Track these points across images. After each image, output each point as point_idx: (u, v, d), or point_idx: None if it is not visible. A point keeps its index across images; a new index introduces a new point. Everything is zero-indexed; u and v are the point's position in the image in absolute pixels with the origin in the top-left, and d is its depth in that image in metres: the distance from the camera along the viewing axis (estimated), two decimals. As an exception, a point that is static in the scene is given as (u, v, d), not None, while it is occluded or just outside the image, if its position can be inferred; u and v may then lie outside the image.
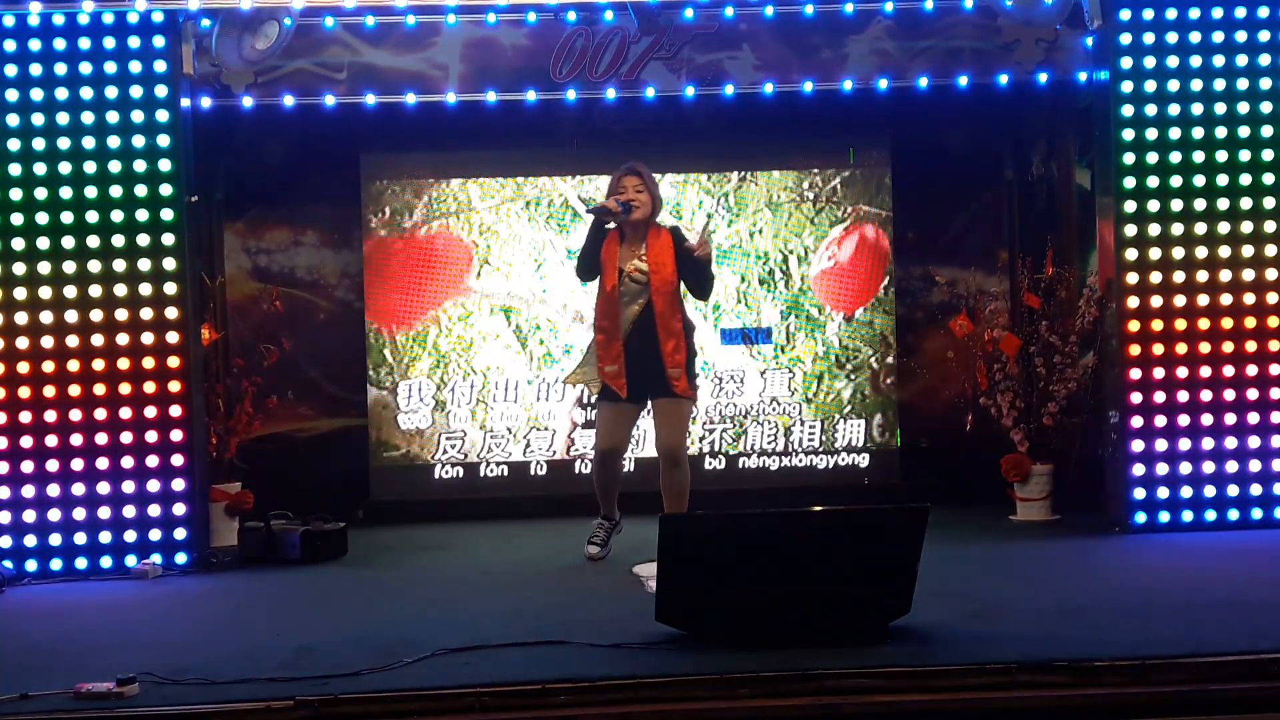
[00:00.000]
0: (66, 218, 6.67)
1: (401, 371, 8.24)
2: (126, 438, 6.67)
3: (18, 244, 6.66)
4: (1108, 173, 7.04)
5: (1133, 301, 6.96)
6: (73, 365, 6.65)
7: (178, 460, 6.71)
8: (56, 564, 6.61)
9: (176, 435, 6.71)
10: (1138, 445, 6.93)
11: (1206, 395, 6.93)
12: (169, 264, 6.71)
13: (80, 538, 6.63)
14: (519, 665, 4.53)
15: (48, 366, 6.64)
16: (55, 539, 6.62)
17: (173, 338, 6.71)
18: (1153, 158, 6.92)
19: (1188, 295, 6.94)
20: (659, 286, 6.22)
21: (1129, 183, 6.94)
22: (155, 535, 6.68)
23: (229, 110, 7.32)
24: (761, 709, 4.23)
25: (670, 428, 6.26)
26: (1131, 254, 6.96)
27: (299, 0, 6.83)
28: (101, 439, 6.66)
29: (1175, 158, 6.92)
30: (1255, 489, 6.93)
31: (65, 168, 6.67)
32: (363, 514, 8.05)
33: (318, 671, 4.47)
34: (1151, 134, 6.92)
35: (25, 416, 6.63)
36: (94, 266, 6.67)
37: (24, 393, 6.63)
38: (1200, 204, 6.93)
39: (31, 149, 6.66)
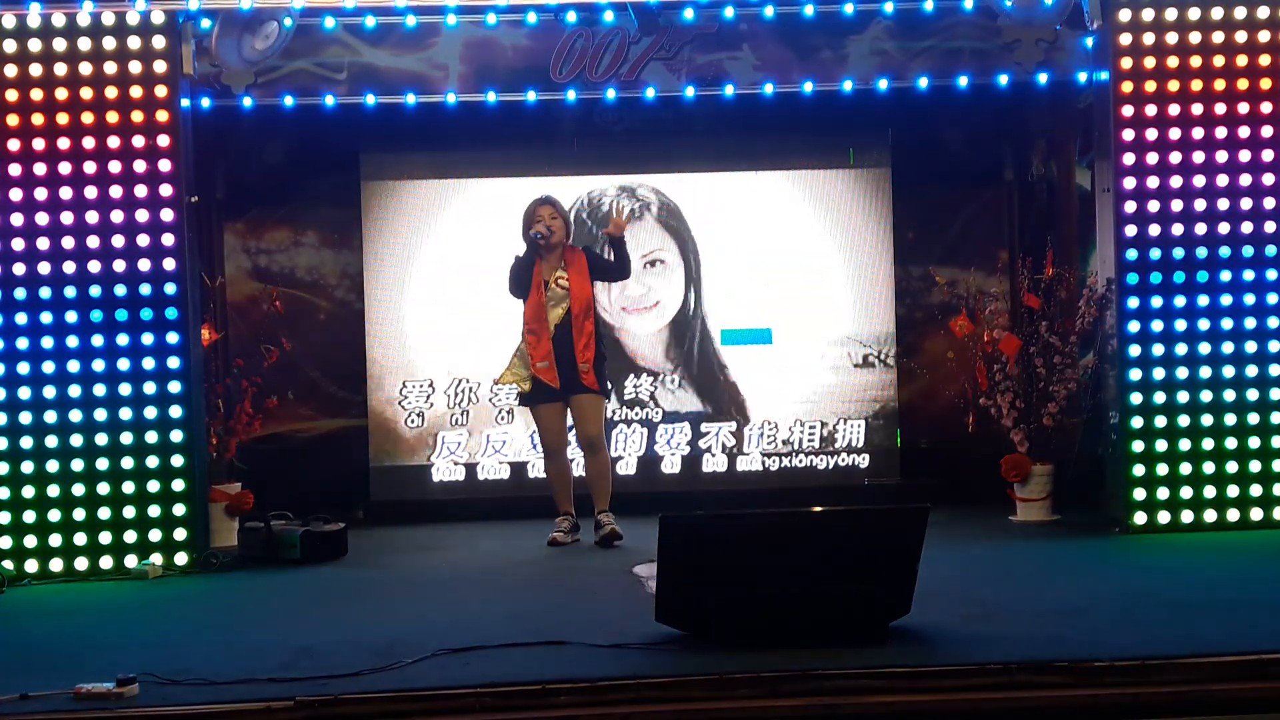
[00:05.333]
0: (67, 218, 6.67)
1: (402, 372, 8.24)
2: (126, 438, 6.67)
3: (18, 244, 6.65)
4: (1107, 173, 7.04)
5: (1133, 301, 6.96)
6: (73, 366, 6.65)
7: (177, 461, 6.70)
8: (56, 564, 6.61)
9: (176, 436, 6.71)
10: (1138, 445, 6.93)
11: (1206, 396, 6.93)
12: (169, 264, 6.71)
13: (80, 538, 6.62)
14: (519, 665, 4.53)
15: (48, 367, 6.65)
16: (55, 539, 6.61)
17: (173, 338, 6.71)
18: (1152, 158, 6.92)
19: (1188, 295, 6.93)
20: (577, 294, 6.95)
21: (1129, 183, 6.94)
22: (155, 535, 6.68)
23: (229, 110, 7.31)
24: (761, 709, 4.22)
25: (587, 420, 7.01)
26: (1131, 254, 6.95)
27: (299, 0, 6.83)
28: (101, 439, 6.65)
29: (1175, 158, 6.92)
30: (1255, 489, 6.92)
31: (65, 168, 6.67)
32: (363, 514, 8.05)
33: (318, 671, 4.46)
34: (1151, 134, 6.92)
35: (25, 417, 6.63)
36: (94, 267, 6.67)
37: (24, 393, 6.63)
38: (1200, 204, 6.93)
39: (31, 149, 6.66)
